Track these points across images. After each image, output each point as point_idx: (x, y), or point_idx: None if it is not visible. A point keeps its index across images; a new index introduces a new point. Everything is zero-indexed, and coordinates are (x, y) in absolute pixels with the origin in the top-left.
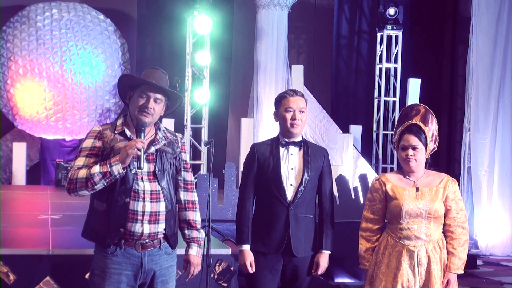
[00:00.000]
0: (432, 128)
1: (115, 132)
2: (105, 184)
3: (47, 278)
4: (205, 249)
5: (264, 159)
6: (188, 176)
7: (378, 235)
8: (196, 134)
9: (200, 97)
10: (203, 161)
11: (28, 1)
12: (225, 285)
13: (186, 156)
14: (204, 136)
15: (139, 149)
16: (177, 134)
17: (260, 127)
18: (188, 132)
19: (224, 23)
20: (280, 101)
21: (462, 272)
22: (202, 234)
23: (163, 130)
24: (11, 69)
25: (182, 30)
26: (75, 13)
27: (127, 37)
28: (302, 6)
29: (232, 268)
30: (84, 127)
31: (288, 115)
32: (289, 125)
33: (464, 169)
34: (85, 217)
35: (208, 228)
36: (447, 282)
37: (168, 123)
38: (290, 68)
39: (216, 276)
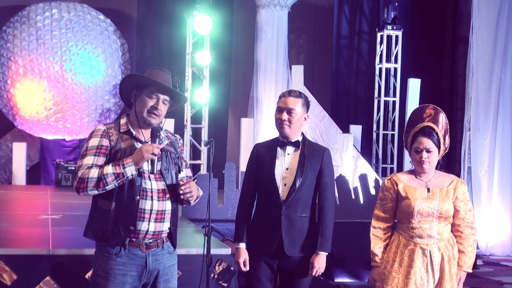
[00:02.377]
0: (443, 129)
1: (120, 131)
2: (116, 185)
3: (47, 278)
4: (205, 249)
5: (262, 159)
6: (189, 172)
7: (389, 233)
8: (196, 134)
9: (200, 97)
10: (203, 161)
11: (28, 1)
12: (225, 285)
13: (185, 156)
14: (204, 136)
15: (155, 154)
16: (176, 135)
17: (260, 127)
18: (188, 132)
19: (224, 23)
20: (277, 101)
21: (471, 271)
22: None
23: (165, 130)
24: (11, 69)
25: (182, 30)
26: (75, 13)
27: (127, 37)
28: (302, 6)
29: (232, 268)
30: (84, 127)
31: (278, 115)
32: (277, 125)
33: (464, 169)
34: (86, 217)
35: (208, 228)
36: (459, 280)
37: (168, 123)
38: (290, 68)
39: (216, 276)
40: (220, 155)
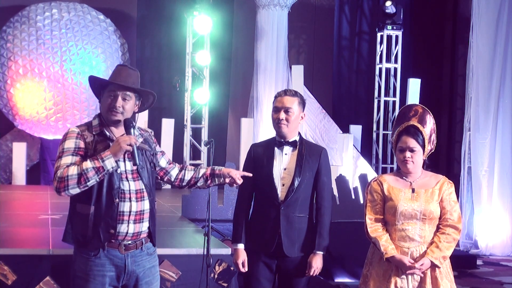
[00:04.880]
0: (429, 129)
1: (94, 133)
2: (98, 180)
3: (47, 278)
4: (205, 249)
5: (259, 159)
6: (167, 157)
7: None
8: (196, 134)
9: (200, 97)
10: (203, 161)
11: (28, 1)
12: (225, 285)
13: (158, 148)
14: (204, 136)
15: (131, 145)
16: (148, 129)
17: (260, 127)
18: (188, 132)
19: (224, 23)
20: (273, 101)
21: (440, 266)
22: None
23: (138, 128)
24: (11, 69)
25: (182, 30)
26: (75, 13)
27: (127, 37)
28: (302, 6)
29: (232, 268)
30: None
31: (275, 115)
32: (275, 125)
33: (464, 169)
34: None
35: (208, 228)
36: (421, 264)
37: (168, 123)
38: (290, 68)
39: (216, 276)
40: (220, 155)
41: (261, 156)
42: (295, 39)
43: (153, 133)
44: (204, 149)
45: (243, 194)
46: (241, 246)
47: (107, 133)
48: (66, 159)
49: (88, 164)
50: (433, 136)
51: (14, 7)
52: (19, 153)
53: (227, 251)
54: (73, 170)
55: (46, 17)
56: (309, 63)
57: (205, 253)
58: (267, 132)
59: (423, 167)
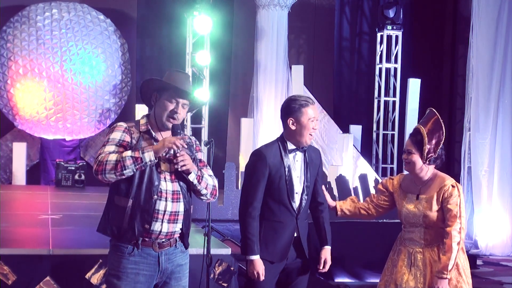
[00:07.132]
0: (432, 133)
1: (141, 130)
2: (134, 170)
3: (47, 278)
4: (205, 249)
5: (276, 169)
6: (209, 171)
7: (363, 205)
8: (196, 134)
9: (200, 97)
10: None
11: (28, 1)
12: (225, 285)
13: (201, 155)
14: (204, 136)
15: (177, 147)
16: (191, 137)
17: (260, 127)
18: (188, 132)
19: (224, 23)
20: (301, 109)
21: (448, 277)
22: (205, 178)
23: (183, 134)
24: (11, 69)
25: (182, 30)
26: (75, 13)
27: (127, 37)
28: (302, 6)
29: (232, 268)
30: (84, 127)
31: (311, 125)
32: (307, 135)
33: (464, 169)
34: (85, 217)
35: (208, 228)
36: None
37: None
38: (290, 68)
39: (216, 276)
40: (220, 155)
41: (278, 166)
42: (295, 39)
43: (197, 142)
44: (204, 149)
45: (256, 203)
46: (257, 257)
47: (153, 133)
48: (110, 147)
49: (128, 153)
50: (434, 140)
51: (14, 7)
52: (19, 153)
53: (227, 251)
54: (113, 157)
55: (46, 17)
56: (309, 63)
57: (205, 253)
58: (267, 132)
59: (436, 168)
